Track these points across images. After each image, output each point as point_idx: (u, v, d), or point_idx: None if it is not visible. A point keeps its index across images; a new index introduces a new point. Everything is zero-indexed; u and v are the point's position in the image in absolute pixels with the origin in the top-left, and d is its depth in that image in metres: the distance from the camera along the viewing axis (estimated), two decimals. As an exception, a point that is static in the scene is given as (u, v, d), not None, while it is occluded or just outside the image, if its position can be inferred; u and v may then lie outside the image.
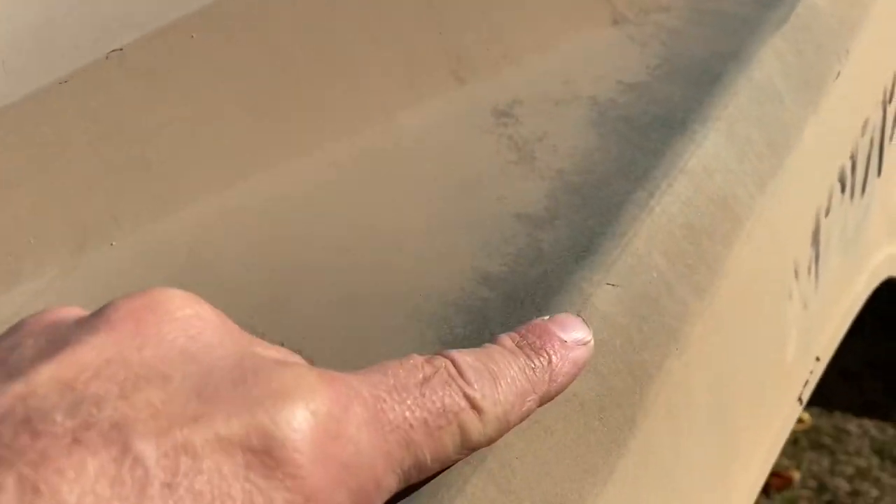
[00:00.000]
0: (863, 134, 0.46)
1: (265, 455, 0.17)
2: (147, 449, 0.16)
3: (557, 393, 0.24)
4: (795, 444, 1.89)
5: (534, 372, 0.23)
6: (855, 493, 1.74)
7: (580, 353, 0.25)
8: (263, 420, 0.18)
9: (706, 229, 0.31)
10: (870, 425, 1.18)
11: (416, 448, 0.20)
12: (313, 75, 0.39)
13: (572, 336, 0.25)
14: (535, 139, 0.35)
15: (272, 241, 0.33)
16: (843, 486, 1.78)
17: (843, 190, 0.44)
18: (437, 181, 0.34)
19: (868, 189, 0.49)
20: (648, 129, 0.33)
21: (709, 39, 0.39)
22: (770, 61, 0.37)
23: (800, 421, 1.86)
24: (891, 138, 0.52)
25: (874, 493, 1.72)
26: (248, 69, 0.38)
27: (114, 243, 0.34)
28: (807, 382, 0.44)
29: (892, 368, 0.90)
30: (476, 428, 0.21)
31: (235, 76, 0.37)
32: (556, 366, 0.24)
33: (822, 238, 0.42)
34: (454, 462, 0.22)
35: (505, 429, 0.22)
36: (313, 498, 0.18)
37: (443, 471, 0.22)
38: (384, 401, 0.20)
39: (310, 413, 0.18)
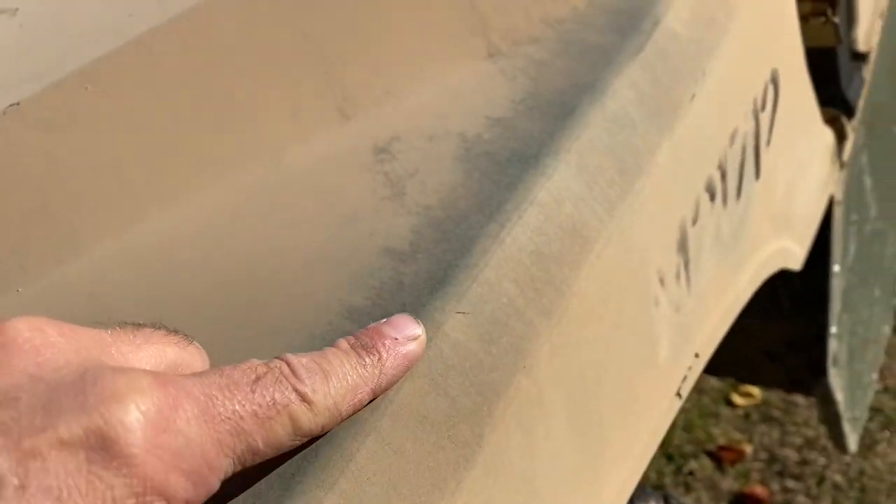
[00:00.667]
0: (731, 144, 0.50)
1: (102, 450, 0.21)
2: (1, 461, 0.20)
3: (390, 384, 0.28)
4: (747, 419, 1.97)
5: (364, 368, 0.27)
6: (803, 462, 1.82)
7: (411, 348, 0.28)
8: (98, 422, 0.21)
9: (554, 255, 0.35)
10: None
11: (246, 436, 0.24)
12: (202, 120, 0.41)
13: (404, 333, 0.28)
14: (408, 175, 0.38)
15: (163, 280, 0.36)
16: (792, 455, 1.85)
17: (712, 199, 0.48)
18: (317, 218, 0.37)
19: (744, 193, 0.53)
20: (507, 164, 0.37)
21: (571, 72, 0.42)
22: (624, 91, 0.40)
23: (750, 395, 1.93)
24: (768, 143, 0.56)
25: (822, 461, 1.79)
26: (141, 117, 0.40)
27: (20, 289, 0.37)
28: (685, 378, 0.47)
29: (811, 346, 0.95)
30: (307, 418, 0.25)
31: (129, 125, 0.40)
32: (386, 361, 0.27)
33: (691, 245, 0.46)
34: (291, 447, 0.25)
35: (337, 418, 0.26)
36: (149, 481, 0.21)
37: (282, 455, 0.25)
38: (215, 397, 0.24)
39: (140, 412, 0.22)
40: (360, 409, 0.27)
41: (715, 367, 1.23)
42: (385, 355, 0.27)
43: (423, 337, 0.29)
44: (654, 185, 0.40)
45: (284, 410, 0.25)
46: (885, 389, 1.94)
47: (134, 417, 0.21)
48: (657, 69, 0.42)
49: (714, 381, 1.98)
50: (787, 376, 1.09)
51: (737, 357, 1.10)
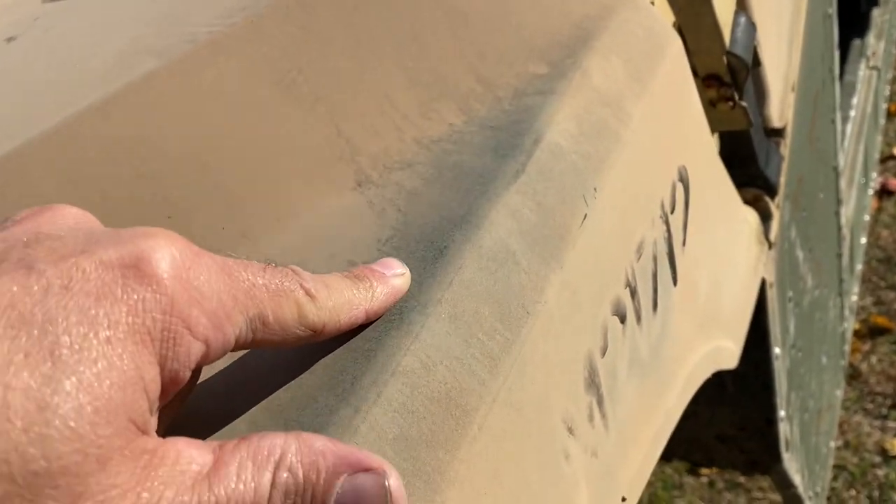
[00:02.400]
0: (639, 257, 0.45)
1: (136, 269, 0.23)
2: (47, 268, 0.23)
3: (380, 310, 0.31)
4: (712, 487, 1.91)
5: (358, 290, 0.30)
6: (773, 532, 1.75)
7: (398, 282, 0.32)
8: (133, 249, 0.24)
9: (425, 438, 0.29)
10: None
11: (258, 302, 0.26)
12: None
13: (391, 270, 0.32)
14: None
15: None
16: (762, 525, 1.79)
17: (622, 321, 0.43)
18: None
19: (662, 305, 0.48)
20: (364, 326, 0.31)
21: (443, 202, 0.37)
22: (503, 222, 0.35)
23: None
24: (683, 244, 0.52)
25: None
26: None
27: None
28: (612, 529, 0.41)
29: (763, 429, 0.90)
30: (311, 308, 0.28)
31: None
32: (377, 288, 0.31)
33: (603, 379, 0.41)
34: (294, 338, 0.27)
35: (336, 324, 0.29)
36: (175, 304, 0.24)
37: (286, 346, 0.27)
38: (232, 264, 0.26)
39: (168, 249, 0.24)
40: (353, 327, 0.30)
41: (669, 453, 1.18)
42: (376, 283, 0.31)
43: (408, 274, 0.32)
44: (545, 326, 0.35)
45: (291, 295, 0.27)
46: (847, 446, 1.91)
47: (164, 251, 0.24)
48: (540, 192, 0.37)
49: (675, 453, 1.93)
50: (742, 458, 1.03)
51: (690, 442, 1.04)
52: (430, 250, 0.34)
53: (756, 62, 0.64)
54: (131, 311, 0.23)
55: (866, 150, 1.64)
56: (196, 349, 0.24)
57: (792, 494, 0.98)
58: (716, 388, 0.90)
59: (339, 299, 0.29)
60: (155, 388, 0.23)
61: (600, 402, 0.40)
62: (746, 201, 0.73)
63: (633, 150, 0.44)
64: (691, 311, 0.54)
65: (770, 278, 0.77)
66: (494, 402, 0.31)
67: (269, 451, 0.24)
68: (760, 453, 0.97)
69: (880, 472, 1.84)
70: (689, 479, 1.94)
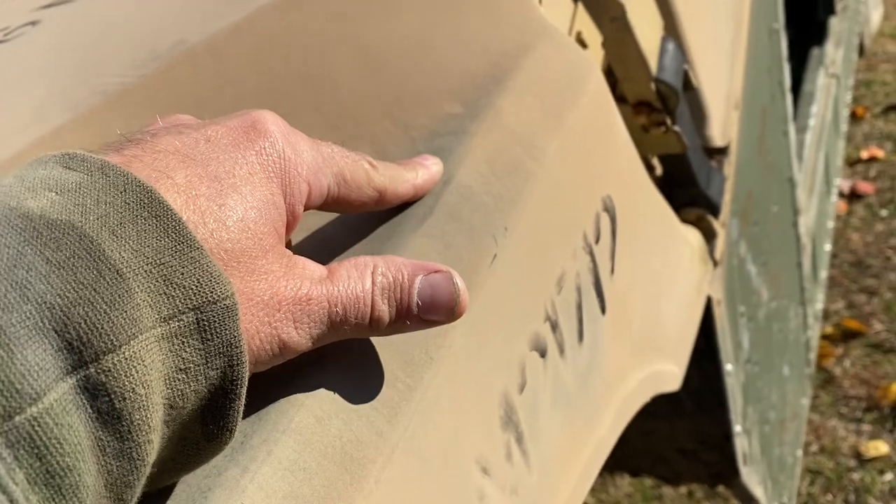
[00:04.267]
0: (560, 290, 0.45)
1: (254, 128, 0.31)
2: (192, 132, 0.29)
3: (423, 187, 0.38)
4: (691, 497, 1.91)
5: (406, 170, 0.37)
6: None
7: (434, 168, 0.39)
8: (248, 117, 0.31)
9: (318, 494, 0.29)
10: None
11: (338, 163, 0.33)
12: None
13: (428, 161, 0.39)
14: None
15: None
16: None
17: (542, 355, 0.43)
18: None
19: (588, 334, 0.49)
20: (258, 383, 0.31)
21: (352, 248, 0.37)
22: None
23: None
24: (611, 272, 0.53)
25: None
26: None
27: None
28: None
29: (723, 442, 0.91)
30: (375, 174, 0.35)
31: None
32: (420, 171, 0.38)
33: (521, 416, 0.41)
34: (366, 197, 0.35)
35: (394, 190, 0.36)
36: (285, 151, 0.31)
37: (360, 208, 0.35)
38: (314, 140, 0.33)
39: (273, 115, 0.32)
40: (404, 199, 0.38)
41: (636, 469, 1.17)
42: (419, 168, 0.38)
43: (441, 165, 0.40)
44: (451, 368, 0.35)
45: (360, 162, 0.34)
46: (822, 450, 1.92)
47: (270, 117, 0.31)
48: (448, 234, 0.38)
49: (652, 464, 1.93)
50: (706, 471, 1.04)
51: (653, 458, 1.05)
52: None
53: (688, 85, 0.65)
54: (258, 154, 0.30)
55: (827, 158, 1.66)
56: (304, 189, 0.31)
57: (756, 507, 0.99)
58: (672, 404, 0.90)
59: (393, 173, 0.36)
60: (284, 215, 0.30)
61: (519, 440, 0.41)
62: (689, 221, 0.74)
63: (548, 185, 0.44)
64: (624, 338, 0.55)
65: (717, 296, 0.77)
66: (394, 452, 0.32)
67: (365, 264, 0.31)
68: (722, 466, 0.98)
69: (856, 476, 1.85)
70: (667, 490, 1.94)
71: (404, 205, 0.39)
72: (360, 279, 0.30)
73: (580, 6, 0.58)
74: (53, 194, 0.24)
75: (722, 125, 0.79)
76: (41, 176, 0.25)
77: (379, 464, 0.31)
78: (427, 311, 0.31)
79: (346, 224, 0.39)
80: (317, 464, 0.29)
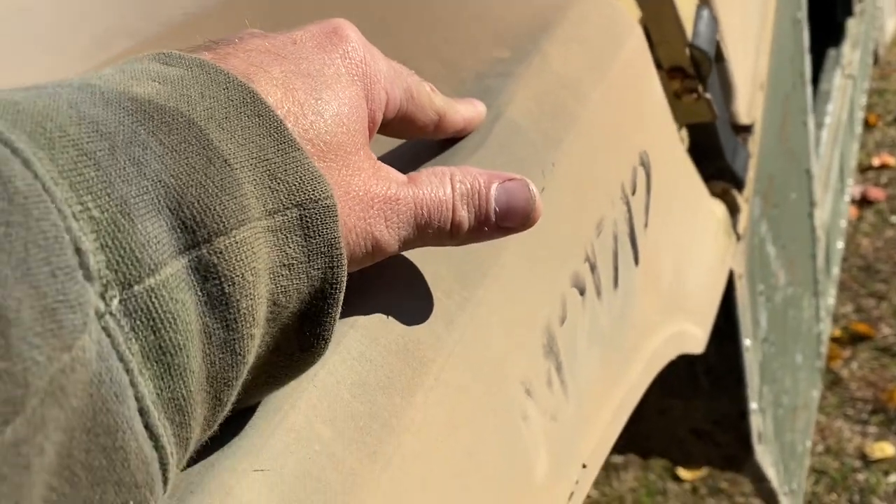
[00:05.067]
0: (598, 234, 0.47)
1: (335, 34, 0.31)
2: (277, 35, 0.30)
3: (472, 121, 0.40)
4: (695, 493, 1.92)
5: (458, 103, 0.38)
6: (755, 534, 1.76)
7: (481, 107, 0.40)
8: (328, 24, 0.32)
9: (381, 384, 0.30)
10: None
11: (407, 80, 0.34)
12: None
13: (476, 102, 0.40)
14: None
15: None
16: (743, 527, 1.80)
17: (582, 293, 0.45)
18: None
19: (623, 282, 0.50)
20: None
21: (413, 169, 0.39)
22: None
23: (696, 468, 1.89)
24: (645, 226, 0.54)
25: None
26: None
27: None
28: (572, 494, 0.43)
29: (738, 423, 0.92)
30: (435, 97, 0.36)
31: None
32: (469, 106, 0.39)
33: (561, 346, 0.42)
34: (427, 119, 0.36)
35: (451, 115, 0.37)
36: (365, 56, 0.31)
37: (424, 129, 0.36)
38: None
39: (351, 24, 0.32)
40: (456, 131, 0.39)
41: (647, 450, 1.18)
42: (467, 103, 0.39)
43: (485, 107, 0.41)
44: (501, 290, 0.37)
45: (423, 85, 0.35)
46: (828, 450, 1.92)
47: (349, 25, 0.32)
48: (499, 166, 0.39)
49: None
50: (718, 454, 1.05)
51: (666, 439, 1.06)
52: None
53: (720, 57, 0.67)
54: (342, 58, 0.30)
55: (842, 157, 1.67)
56: (382, 96, 0.32)
57: (766, 489, 1.00)
58: (689, 382, 0.91)
59: (448, 102, 0.37)
60: (366, 118, 0.30)
61: (559, 369, 0.42)
62: (715, 194, 0.75)
63: (592, 131, 0.46)
64: (654, 292, 0.56)
65: (739, 270, 0.79)
66: (450, 356, 0.33)
67: (443, 172, 0.32)
68: (736, 447, 0.99)
69: (861, 477, 1.85)
70: (672, 486, 1.95)
71: (454, 139, 0.40)
72: (441, 185, 0.31)
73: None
74: (157, 84, 0.24)
75: (748, 103, 0.81)
76: (141, 68, 0.25)
77: (438, 364, 0.32)
78: (504, 218, 0.32)
79: (403, 156, 0.40)
80: (381, 357, 0.31)
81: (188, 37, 0.42)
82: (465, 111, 0.39)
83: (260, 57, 0.28)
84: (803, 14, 1.10)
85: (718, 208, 0.74)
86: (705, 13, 0.62)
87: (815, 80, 1.73)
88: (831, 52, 1.79)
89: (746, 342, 0.83)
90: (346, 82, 0.30)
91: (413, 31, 0.46)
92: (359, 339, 0.31)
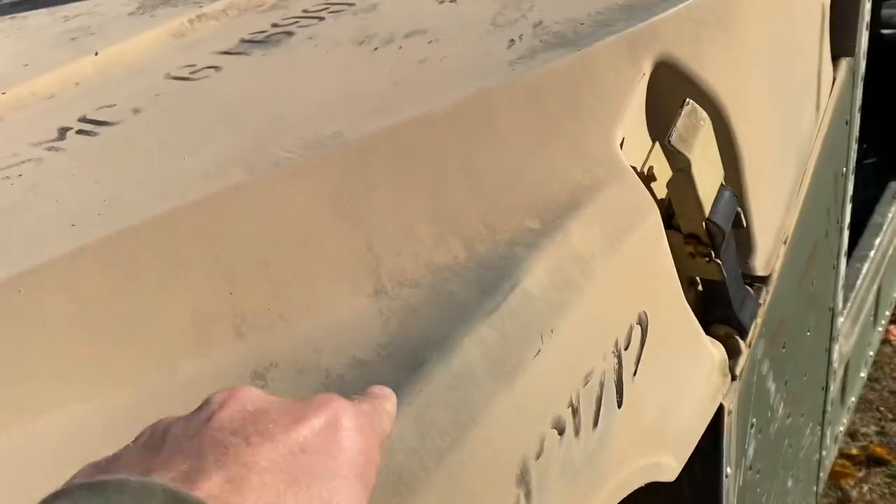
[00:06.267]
0: (585, 384, 0.56)
1: (335, 428, 0.34)
2: (282, 437, 0.32)
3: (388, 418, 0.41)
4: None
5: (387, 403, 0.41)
6: None
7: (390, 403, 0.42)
8: (328, 414, 0.35)
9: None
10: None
11: (383, 429, 0.39)
12: (108, 332, 0.48)
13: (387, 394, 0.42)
14: (273, 406, 0.45)
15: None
16: None
17: (560, 433, 0.54)
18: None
19: (603, 422, 0.60)
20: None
21: (432, 324, 0.49)
22: (472, 348, 0.48)
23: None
24: (633, 375, 0.63)
25: None
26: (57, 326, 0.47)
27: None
28: None
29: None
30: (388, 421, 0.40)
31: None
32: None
33: (533, 476, 0.52)
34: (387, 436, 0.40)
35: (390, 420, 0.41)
36: (364, 445, 0.35)
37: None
38: (365, 413, 0.38)
39: (346, 408, 0.36)
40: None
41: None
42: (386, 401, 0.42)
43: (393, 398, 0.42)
44: (487, 434, 0.47)
45: (383, 413, 0.40)
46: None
47: (347, 412, 0.36)
48: (507, 328, 0.49)
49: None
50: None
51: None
52: (413, 361, 0.46)
53: (738, 224, 0.76)
54: (350, 464, 0.34)
55: (880, 290, 1.71)
56: (375, 473, 0.36)
57: None
58: (672, 492, 0.99)
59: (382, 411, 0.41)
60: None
61: (528, 496, 0.52)
62: (717, 336, 0.84)
63: (593, 300, 0.56)
64: (635, 430, 0.65)
65: (730, 406, 0.87)
66: (433, 486, 0.43)
67: None
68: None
69: None
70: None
71: (475, 298, 0.51)
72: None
73: (657, 146, 0.69)
74: None
75: (767, 257, 0.89)
76: None
77: (423, 492, 0.43)
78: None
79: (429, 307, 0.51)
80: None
81: (292, 184, 0.54)
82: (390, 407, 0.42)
83: (275, 486, 0.30)
84: (849, 167, 1.17)
85: (717, 351, 0.83)
86: (726, 193, 0.71)
87: (870, 211, 1.78)
88: (892, 185, 1.84)
89: (728, 470, 0.90)
90: (353, 491, 0.33)
91: (465, 193, 0.57)
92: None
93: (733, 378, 0.86)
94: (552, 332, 0.52)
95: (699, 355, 0.77)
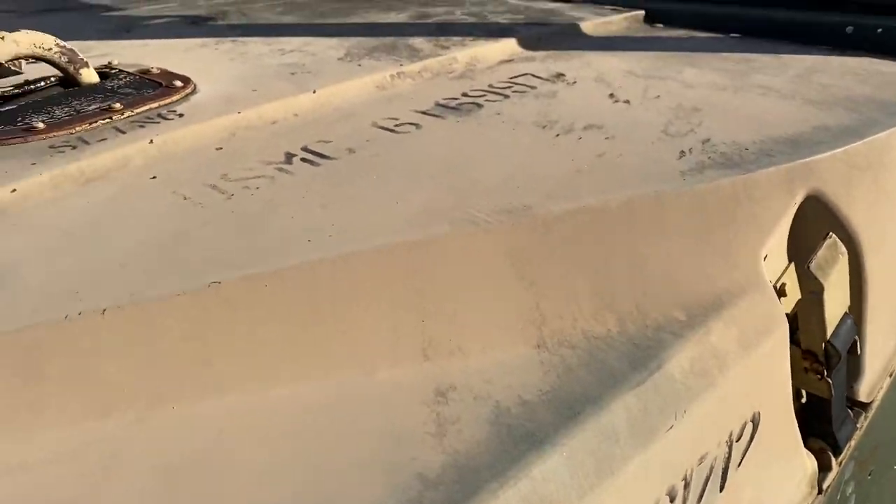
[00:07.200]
0: (700, 464, 0.64)
1: None
2: None
3: None
4: None
5: None
6: None
7: None
8: None
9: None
10: None
11: None
12: (326, 331, 0.60)
13: None
14: (452, 421, 0.55)
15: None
16: None
17: (672, 501, 0.62)
18: (372, 431, 0.54)
19: (705, 501, 0.67)
20: (519, 440, 0.53)
21: (586, 384, 0.58)
22: (619, 411, 0.56)
23: None
24: (738, 465, 0.70)
25: None
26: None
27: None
28: None
29: None
30: None
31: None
32: None
33: (644, 533, 0.60)
34: None
35: None
36: None
37: None
38: None
39: None
40: None
41: None
42: None
43: None
44: (620, 486, 0.55)
45: None
46: None
47: None
48: (649, 401, 0.58)
49: None
50: None
51: None
52: (569, 412, 0.55)
53: (852, 351, 0.82)
54: None
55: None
56: None
57: None
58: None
59: None
60: None
61: (636, 548, 0.60)
62: (812, 449, 0.89)
63: (721, 392, 0.64)
64: (728, 515, 0.72)
65: (812, 518, 0.92)
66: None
67: None
68: None
69: None
70: None
71: (625, 370, 0.60)
72: None
73: (792, 266, 0.77)
74: None
75: (872, 386, 0.94)
76: None
77: (565, 519, 0.51)
78: None
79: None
80: (534, 502, 0.50)
81: (487, 244, 0.65)
82: None
83: None
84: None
85: (810, 462, 0.88)
86: (849, 321, 0.78)
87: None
88: None
89: (797, 578, 0.95)
90: None
91: (628, 279, 0.66)
92: (527, 484, 0.51)
93: (819, 492, 0.91)
94: (684, 412, 0.60)
95: (795, 462, 0.83)
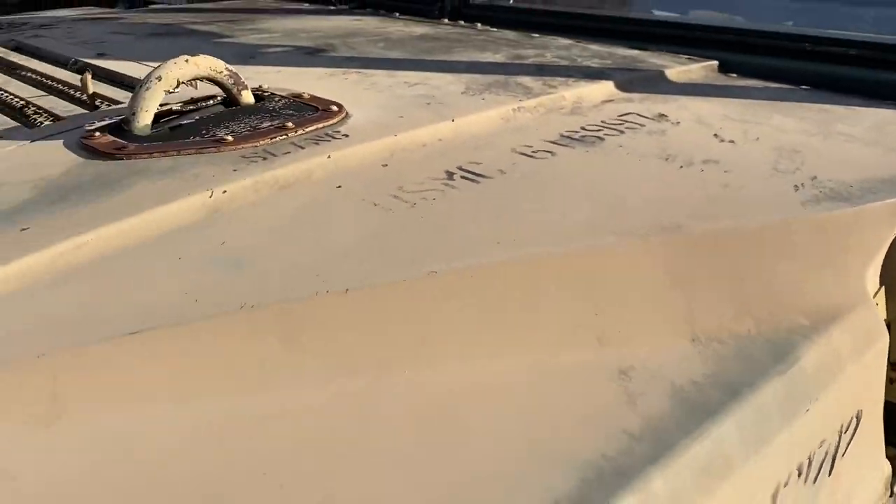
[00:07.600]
0: (819, 446, 0.76)
1: None
2: None
3: None
4: None
5: None
6: None
7: None
8: None
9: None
10: None
11: None
12: (513, 318, 0.72)
13: None
14: (638, 394, 0.66)
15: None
16: None
17: (799, 476, 0.74)
18: (562, 403, 0.66)
19: (819, 482, 0.79)
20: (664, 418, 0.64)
21: (741, 365, 0.70)
22: (769, 393, 0.69)
23: None
24: (843, 454, 0.82)
25: None
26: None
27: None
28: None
29: None
30: None
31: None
32: None
33: (779, 499, 0.72)
34: None
35: None
36: None
37: None
38: None
39: None
40: None
41: None
42: None
43: None
44: (771, 452, 0.67)
45: None
46: None
47: None
48: (791, 387, 0.70)
49: None
50: None
51: None
52: (726, 393, 0.67)
53: (929, 367, 0.94)
54: None
55: None
56: None
57: None
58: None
59: None
60: None
61: (773, 511, 0.71)
62: (889, 457, 1.01)
63: (840, 387, 0.76)
64: (831, 498, 0.84)
65: (882, 519, 1.03)
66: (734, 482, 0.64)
67: None
68: None
69: None
70: None
71: (769, 361, 0.72)
72: None
73: (883, 289, 0.90)
74: None
75: (935, 403, 1.07)
76: None
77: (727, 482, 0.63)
78: None
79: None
80: (690, 475, 0.62)
81: (626, 263, 0.77)
82: None
83: None
84: None
85: (886, 467, 1.00)
86: (932, 339, 0.91)
87: None
88: None
89: (866, 574, 1.06)
90: None
91: (730, 300, 0.78)
92: (689, 476, 0.62)
93: (891, 494, 1.03)
94: (817, 399, 0.72)
95: (878, 463, 0.95)
